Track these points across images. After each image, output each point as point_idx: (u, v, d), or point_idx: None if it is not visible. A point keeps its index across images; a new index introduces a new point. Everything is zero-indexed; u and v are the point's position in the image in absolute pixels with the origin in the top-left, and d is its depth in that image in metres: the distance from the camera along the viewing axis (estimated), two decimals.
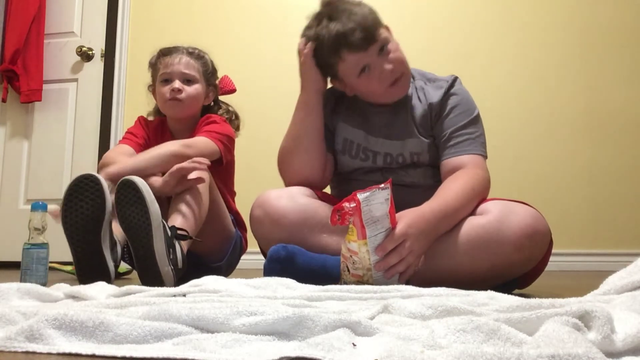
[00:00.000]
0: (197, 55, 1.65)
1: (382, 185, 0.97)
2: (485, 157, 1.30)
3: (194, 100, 1.62)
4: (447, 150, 1.28)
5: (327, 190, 1.46)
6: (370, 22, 1.25)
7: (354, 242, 0.97)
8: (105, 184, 1.22)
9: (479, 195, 1.19)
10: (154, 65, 1.67)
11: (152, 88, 1.69)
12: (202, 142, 1.50)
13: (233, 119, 1.73)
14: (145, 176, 1.28)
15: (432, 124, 1.33)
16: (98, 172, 1.32)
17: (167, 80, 1.60)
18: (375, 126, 1.35)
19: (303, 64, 1.34)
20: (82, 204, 1.20)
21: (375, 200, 0.95)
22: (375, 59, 1.25)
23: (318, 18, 1.29)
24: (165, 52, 1.64)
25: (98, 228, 1.21)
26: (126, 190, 1.19)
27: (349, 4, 1.28)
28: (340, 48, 1.24)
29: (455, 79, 1.37)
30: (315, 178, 1.34)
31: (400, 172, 1.33)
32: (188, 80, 1.61)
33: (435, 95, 1.33)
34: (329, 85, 1.38)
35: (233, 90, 1.76)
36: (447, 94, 1.33)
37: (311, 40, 1.30)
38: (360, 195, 0.94)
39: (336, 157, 1.40)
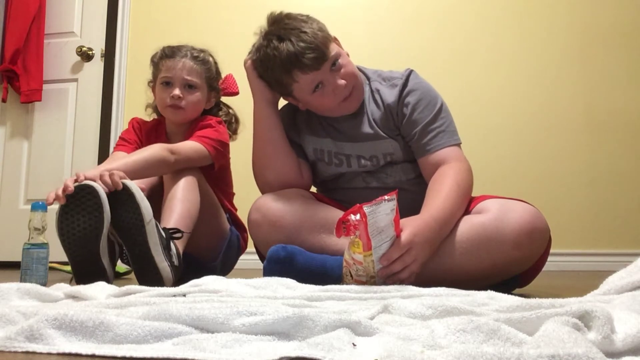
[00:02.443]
0: (201, 59, 1.62)
1: (387, 197, 0.95)
2: (459, 144, 1.30)
3: (195, 107, 1.60)
4: (423, 148, 1.28)
5: None
6: (321, 40, 1.23)
7: (359, 254, 0.96)
8: (104, 196, 1.16)
9: (468, 190, 1.21)
10: (156, 65, 1.64)
11: (152, 85, 1.67)
12: (189, 147, 1.46)
13: (232, 122, 1.71)
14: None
15: (397, 124, 1.32)
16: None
17: (168, 83, 1.58)
18: (341, 132, 1.36)
19: (247, 77, 1.36)
20: (79, 216, 1.15)
21: (381, 212, 0.94)
22: (328, 76, 1.26)
23: (267, 38, 1.28)
24: (169, 54, 1.60)
25: (97, 240, 1.17)
26: (116, 192, 1.17)
27: (297, 20, 1.27)
28: (293, 69, 1.24)
29: (409, 73, 1.35)
30: (293, 183, 1.34)
31: (380, 175, 1.34)
32: (190, 86, 1.58)
33: (390, 95, 1.33)
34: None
35: (235, 93, 1.75)
36: (403, 93, 1.32)
37: (259, 60, 1.30)
38: (367, 209, 0.91)
39: (312, 165, 1.41)
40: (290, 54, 1.22)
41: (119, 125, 2.89)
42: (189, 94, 1.58)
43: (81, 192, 1.15)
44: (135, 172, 1.30)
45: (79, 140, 2.89)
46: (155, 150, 1.38)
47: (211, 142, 1.52)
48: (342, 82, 1.26)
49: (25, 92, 2.84)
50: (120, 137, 1.64)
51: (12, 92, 2.91)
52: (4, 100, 2.90)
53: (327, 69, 1.25)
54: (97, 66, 2.93)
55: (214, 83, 1.67)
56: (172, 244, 1.25)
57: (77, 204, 1.15)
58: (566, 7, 2.75)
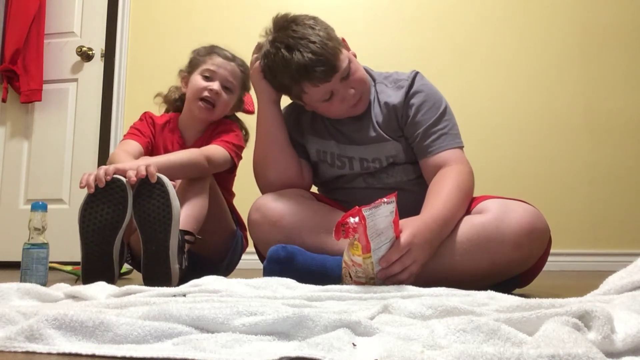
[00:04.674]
0: (244, 69, 1.63)
1: (386, 199, 0.95)
2: (462, 147, 1.30)
3: (224, 109, 1.61)
4: (425, 150, 1.28)
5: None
6: (331, 51, 1.20)
7: (358, 256, 0.95)
8: (130, 191, 1.20)
9: (469, 192, 1.20)
10: (200, 57, 1.62)
11: (185, 75, 1.65)
12: (221, 154, 1.49)
13: (244, 134, 1.73)
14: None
15: (400, 125, 1.32)
16: None
17: (208, 77, 1.58)
18: (345, 134, 1.36)
19: (251, 77, 1.36)
20: (104, 206, 1.19)
21: (380, 214, 0.93)
22: (339, 86, 1.24)
23: (275, 45, 1.24)
24: (220, 53, 1.61)
25: (114, 233, 1.20)
26: (150, 184, 1.18)
27: (305, 26, 1.23)
28: (302, 81, 1.23)
29: (415, 75, 1.35)
30: (294, 184, 1.34)
31: (381, 175, 1.34)
32: (227, 88, 1.60)
33: (396, 97, 1.32)
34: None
35: (251, 112, 1.75)
36: (409, 94, 1.32)
37: (267, 66, 1.28)
38: (366, 212, 0.91)
39: (314, 166, 1.41)
40: (300, 67, 1.20)
41: (119, 125, 2.89)
42: (224, 94, 1.59)
43: (111, 184, 1.19)
44: (169, 170, 1.32)
45: (79, 140, 2.89)
46: (192, 154, 1.41)
47: (233, 148, 1.55)
48: (352, 91, 1.26)
49: (25, 92, 2.84)
50: (133, 127, 1.62)
51: (12, 92, 2.91)
52: (4, 100, 2.90)
53: (337, 80, 1.23)
54: (97, 66, 2.93)
55: (242, 94, 1.69)
56: (185, 247, 1.25)
57: (105, 194, 1.19)
58: (566, 7, 2.75)
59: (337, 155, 1.36)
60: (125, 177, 1.21)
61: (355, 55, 1.33)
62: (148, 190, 1.19)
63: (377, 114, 1.34)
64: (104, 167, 1.21)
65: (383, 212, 0.94)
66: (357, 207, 0.92)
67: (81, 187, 1.20)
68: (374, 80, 1.39)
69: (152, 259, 1.18)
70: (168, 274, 1.17)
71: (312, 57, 1.19)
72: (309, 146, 1.40)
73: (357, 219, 0.91)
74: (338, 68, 1.22)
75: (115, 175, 1.20)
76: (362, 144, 1.34)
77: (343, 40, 1.32)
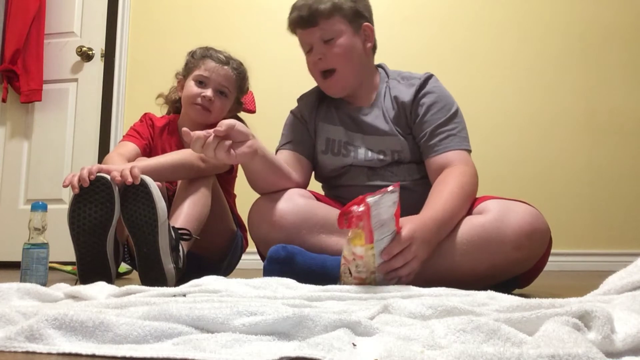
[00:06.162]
0: (240, 72, 1.62)
1: (390, 188, 0.95)
2: (469, 150, 1.30)
3: (220, 114, 1.60)
4: (431, 149, 1.29)
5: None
6: (323, 8, 1.30)
7: (360, 247, 0.94)
8: (116, 189, 1.19)
9: (472, 193, 1.20)
10: (195, 60, 1.61)
11: (181, 78, 1.65)
12: None
13: None
14: (157, 180, 1.25)
15: (409, 123, 1.34)
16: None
17: (202, 83, 1.58)
18: (354, 122, 1.38)
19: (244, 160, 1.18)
20: (91, 206, 1.18)
21: (384, 203, 0.93)
22: (318, 45, 1.34)
23: None
24: (214, 57, 1.59)
25: (105, 232, 1.20)
26: (134, 187, 1.18)
27: None
28: (289, 20, 1.37)
29: (429, 77, 1.37)
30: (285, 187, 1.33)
31: (385, 173, 1.34)
32: (221, 92, 1.59)
33: (407, 94, 1.34)
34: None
35: (252, 111, 1.75)
36: (420, 93, 1.33)
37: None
38: (370, 199, 0.90)
39: (315, 161, 1.42)
40: (294, 6, 1.35)
41: (119, 125, 2.89)
42: (219, 99, 1.58)
43: (95, 183, 1.18)
44: (159, 172, 1.31)
45: (79, 140, 2.89)
46: (184, 155, 1.40)
47: None
48: (322, 56, 1.33)
49: (25, 92, 2.84)
50: (132, 128, 1.62)
51: (12, 92, 2.91)
52: (4, 100, 2.90)
53: (315, 37, 1.33)
54: (97, 66, 2.93)
55: (240, 96, 1.68)
56: (180, 246, 1.25)
57: (91, 194, 1.18)
58: (566, 7, 2.75)
59: (344, 143, 1.38)
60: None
61: (373, 48, 1.40)
62: (133, 193, 1.18)
63: (388, 108, 1.36)
64: (87, 167, 1.20)
65: (386, 201, 0.93)
66: (361, 196, 0.92)
67: (64, 186, 1.20)
68: (387, 76, 1.43)
69: (145, 261, 1.18)
70: (163, 275, 1.17)
71: (303, 3, 1.32)
72: (318, 134, 1.41)
73: (361, 208, 0.91)
74: (318, 23, 1.31)
75: (99, 174, 1.19)
76: (369, 134, 1.36)
77: (368, 27, 1.37)
